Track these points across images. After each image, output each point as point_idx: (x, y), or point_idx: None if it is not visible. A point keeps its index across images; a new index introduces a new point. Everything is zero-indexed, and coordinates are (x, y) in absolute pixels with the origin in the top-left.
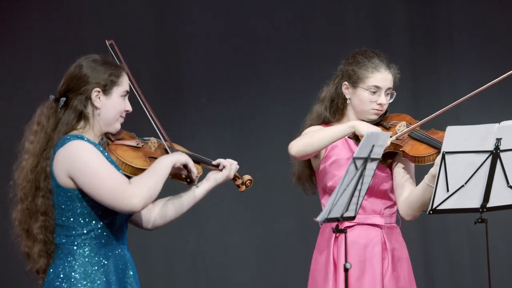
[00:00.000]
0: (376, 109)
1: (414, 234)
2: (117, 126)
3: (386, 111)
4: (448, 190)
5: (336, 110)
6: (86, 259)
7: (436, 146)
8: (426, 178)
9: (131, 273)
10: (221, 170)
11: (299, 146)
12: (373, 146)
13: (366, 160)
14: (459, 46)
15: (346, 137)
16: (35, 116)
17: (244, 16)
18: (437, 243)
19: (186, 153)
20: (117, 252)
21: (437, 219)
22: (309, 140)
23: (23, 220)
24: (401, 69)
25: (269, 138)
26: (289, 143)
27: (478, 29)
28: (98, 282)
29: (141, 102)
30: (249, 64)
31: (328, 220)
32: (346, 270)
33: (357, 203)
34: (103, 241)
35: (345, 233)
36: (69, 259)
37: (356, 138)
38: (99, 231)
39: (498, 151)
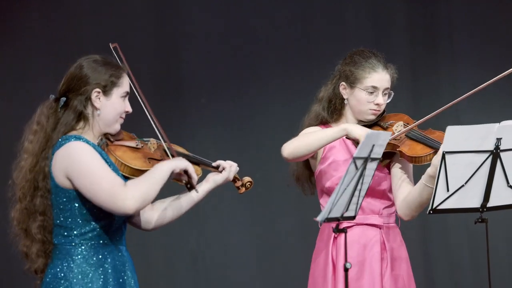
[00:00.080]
0: (373, 109)
1: (414, 234)
2: (117, 127)
3: (384, 111)
4: (448, 190)
5: (334, 111)
6: (84, 260)
7: (433, 146)
8: (423, 178)
9: (130, 273)
10: (220, 171)
11: (291, 148)
12: (373, 146)
13: (366, 160)
14: (459, 46)
15: (344, 137)
16: (35, 115)
17: (244, 16)
18: (437, 243)
19: (186, 155)
20: (115, 252)
21: (437, 219)
22: (301, 142)
23: (21, 220)
24: (401, 69)
25: (269, 138)
26: None
27: (478, 29)
28: (96, 282)
29: (141, 103)
30: (249, 64)
31: (328, 219)
32: (346, 270)
33: (357, 203)
34: (101, 241)
35: (345, 232)
36: (67, 259)
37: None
38: (97, 231)
39: (498, 150)
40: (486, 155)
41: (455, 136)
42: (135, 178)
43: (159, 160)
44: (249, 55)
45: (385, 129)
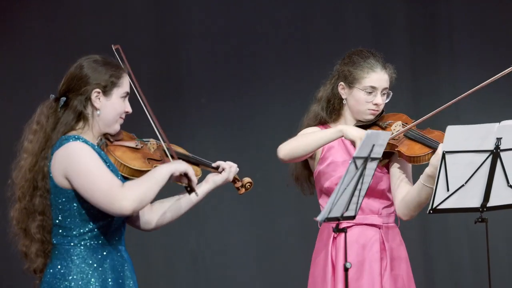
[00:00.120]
0: (372, 109)
1: (414, 234)
2: (117, 127)
3: (383, 111)
4: (448, 190)
5: (333, 111)
6: (83, 260)
7: (431, 146)
8: (422, 178)
9: (129, 274)
10: (220, 172)
11: (286, 149)
12: (373, 145)
13: (366, 159)
14: (459, 46)
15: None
16: (35, 115)
17: (244, 16)
18: (437, 243)
19: (185, 155)
20: (114, 253)
21: (437, 219)
22: (296, 144)
23: (21, 219)
24: (401, 69)
25: (269, 138)
26: None
27: (478, 29)
28: (95, 282)
29: (142, 103)
30: (249, 64)
31: (328, 219)
32: (346, 270)
33: (357, 203)
34: (100, 241)
35: (345, 232)
36: (66, 259)
37: None
38: (96, 232)
39: (499, 150)
40: (486, 154)
41: (455, 135)
42: (134, 178)
43: (158, 161)
44: (249, 55)
45: (383, 129)
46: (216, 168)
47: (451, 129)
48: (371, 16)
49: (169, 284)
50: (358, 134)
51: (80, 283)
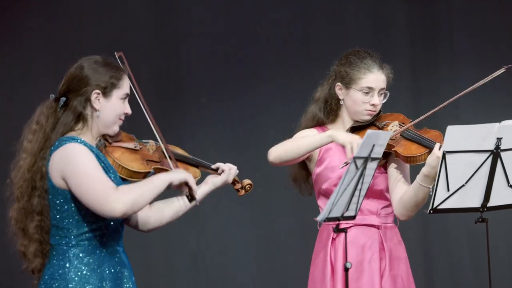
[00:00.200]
0: (369, 110)
1: (414, 234)
2: (116, 128)
3: (380, 111)
4: (448, 190)
5: (330, 111)
6: (81, 260)
7: (428, 146)
8: (418, 178)
9: (127, 274)
10: (220, 174)
11: (276, 153)
12: (374, 145)
13: (366, 159)
14: (459, 46)
15: None
16: (34, 115)
17: (244, 16)
18: (437, 243)
19: (185, 157)
20: (112, 253)
21: (437, 219)
22: (286, 148)
23: (19, 219)
24: (401, 69)
25: (269, 138)
26: None
27: (478, 29)
28: (93, 283)
29: (141, 104)
30: (249, 64)
31: (329, 219)
32: (346, 270)
33: (357, 203)
34: (98, 242)
35: (345, 232)
36: (64, 259)
37: None
38: (94, 232)
39: (499, 150)
40: (487, 154)
41: (456, 135)
42: (132, 179)
43: (157, 162)
44: (249, 55)
45: (380, 129)
46: (216, 170)
47: (451, 129)
48: (371, 16)
49: (169, 284)
50: (348, 138)
51: (78, 284)
